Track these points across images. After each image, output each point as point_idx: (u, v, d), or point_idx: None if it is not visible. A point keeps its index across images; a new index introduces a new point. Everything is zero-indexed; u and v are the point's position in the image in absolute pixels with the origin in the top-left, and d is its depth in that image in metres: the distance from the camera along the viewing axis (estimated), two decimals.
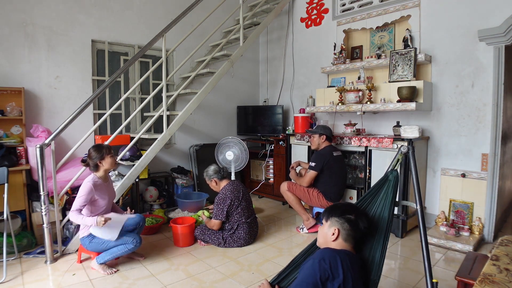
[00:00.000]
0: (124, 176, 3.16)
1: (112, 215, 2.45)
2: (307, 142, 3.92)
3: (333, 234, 1.48)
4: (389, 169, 1.70)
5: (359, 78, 3.76)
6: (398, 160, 1.71)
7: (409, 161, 1.68)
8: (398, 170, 1.71)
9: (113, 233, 2.45)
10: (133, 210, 2.81)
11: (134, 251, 2.77)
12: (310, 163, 3.28)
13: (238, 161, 3.99)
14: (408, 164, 1.66)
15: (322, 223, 1.57)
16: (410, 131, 3.12)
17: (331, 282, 1.34)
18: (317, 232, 3.48)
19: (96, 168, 2.55)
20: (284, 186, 3.43)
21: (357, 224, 1.46)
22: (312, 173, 3.24)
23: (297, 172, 3.60)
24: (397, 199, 1.67)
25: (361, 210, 1.54)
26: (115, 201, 2.90)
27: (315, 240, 1.65)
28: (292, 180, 3.52)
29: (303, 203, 3.44)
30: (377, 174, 3.33)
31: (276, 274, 1.72)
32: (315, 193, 3.29)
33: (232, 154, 3.94)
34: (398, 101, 3.30)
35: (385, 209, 1.62)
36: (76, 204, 2.40)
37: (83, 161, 2.60)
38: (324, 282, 1.34)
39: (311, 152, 3.93)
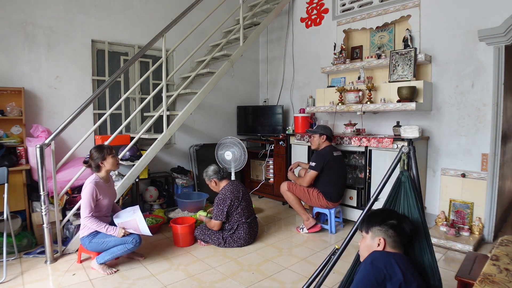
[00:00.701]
0: (124, 176, 3.16)
1: (134, 226, 2.53)
2: (307, 142, 3.92)
3: (379, 244, 1.39)
4: (393, 170, 1.65)
5: (359, 78, 3.76)
6: (403, 160, 1.69)
7: (409, 161, 1.67)
8: (407, 170, 1.64)
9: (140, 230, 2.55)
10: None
11: (134, 251, 2.78)
12: (311, 163, 3.28)
13: (237, 161, 3.98)
14: (409, 164, 1.64)
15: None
16: (410, 131, 3.12)
17: (389, 282, 1.24)
18: (317, 232, 3.51)
19: (98, 168, 2.56)
20: (284, 186, 3.43)
21: (402, 228, 1.37)
22: (312, 173, 3.24)
23: (296, 173, 3.60)
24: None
25: (400, 213, 1.45)
26: (115, 201, 2.90)
27: (357, 256, 1.56)
28: (292, 181, 3.52)
29: (303, 203, 3.44)
30: (377, 174, 3.33)
31: None
32: (315, 193, 3.29)
33: (230, 154, 3.94)
34: (398, 101, 3.30)
35: (412, 211, 1.54)
36: (87, 208, 2.42)
37: (85, 162, 2.61)
38: (381, 282, 1.25)
39: (311, 152, 3.93)
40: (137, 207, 2.69)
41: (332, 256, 1.65)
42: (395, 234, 1.38)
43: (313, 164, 3.24)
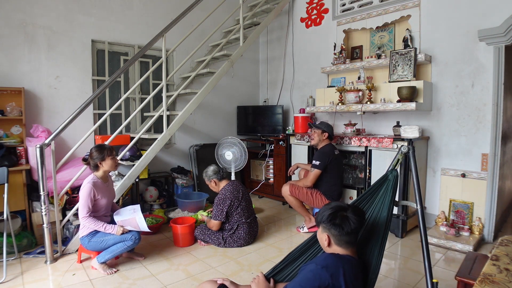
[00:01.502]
0: (124, 176, 3.16)
1: (133, 224, 2.55)
2: (307, 142, 3.91)
3: (325, 240, 1.45)
4: (389, 169, 1.69)
5: (359, 78, 3.76)
6: (398, 160, 1.71)
7: (409, 161, 1.68)
8: (398, 170, 1.70)
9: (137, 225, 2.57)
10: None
11: (133, 248, 2.78)
12: (314, 161, 3.23)
13: (237, 161, 3.98)
14: (408, 164, 1.65)
15: None
16: (410, 131, 3.12)
17: None
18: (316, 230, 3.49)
19: (96, 168, 2.56)
20: (286, 191, 3.36)
21: (343, 228, 1.40)
22: (316, 172, 3.21)
23: (296, 174, 3.60)
24: (396, 199, 1.65)
25: (352, 210, 1.45)
26: (115, 201, 2.90)
27: (314, 235, 1.63)
28: (293, 179, 3.51)
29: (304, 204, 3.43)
30: (377, 174, 3.32)
31: (272, 267, 1.72)
32: (318, 194, 3.28)
33: (231, 154, 3.94)
34: (398, 101, 3.30)
35: (383, 209, 1.60)
36: (84, 208, 2.42)
37: (84, 159, 2.61)
38: None
39: (311, 152, 3.93)
40: (137, 206, 2.69)
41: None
42: (337, 233, 1.41)
43: (316, 163, 3.20)
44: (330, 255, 1.42)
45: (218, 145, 4.07)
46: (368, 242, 1.57)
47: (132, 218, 2.60)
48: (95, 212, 2.52)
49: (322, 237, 1.47)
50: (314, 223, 3.36)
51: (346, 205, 1.50)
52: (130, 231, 2.50)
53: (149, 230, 2.66)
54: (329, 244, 1.45)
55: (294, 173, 3.77)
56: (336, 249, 1.44)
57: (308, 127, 3.58)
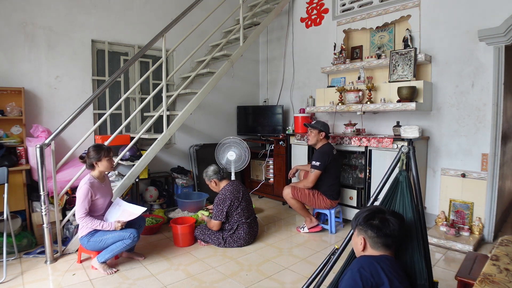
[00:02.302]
0: (124, 176, 3.16)
1: (126, 216, 2.56)
2: (307, 142, 3.91)
3: (361, 243, 1.40)
4: (398, 171, 1.66)
5: (359, 78, 3.76)
6: (402, 160, 1.69)
7: (409, 161, 1.67)
8: (406, 170, 1.67)
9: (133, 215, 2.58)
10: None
11: (133, 248, 2.79)
12: (314, 162, 3.22)
13: (240, 161, 3.97)
14: (409, 164, 1.65)
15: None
16: (410, 131, 3.12)
17: None
18: (317, 231, 3.51)
19: (91, 167, 2.56)
20: (288, 194, 3.33)
21: (381, 229, 1.35)
22: (317, 173, 3.20)
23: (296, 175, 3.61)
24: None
25: (391, 213, 1.42)
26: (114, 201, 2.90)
27: (352, 252, 1.58)
28: (293, 181, 3.50)
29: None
30: (377, 174, 3.33)
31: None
32: (318, 195, 3.28)
33: (234, 154, 3.92)
34: (398, 101, 3.30)
35: (407, 211, 1.55)
36: (81, 209, 2.42)
37: (81, 157, 2.61)
38: None
39: (310, 152, 3.93)
40: (117, 199, 2.70)
41: (332, 256, 1.65)
42: (374, 235, 1.37)
43: (316, 163, 3.19)
44: (361, 257, 1.37)
45: (219, 145, 4.04)
46: (405, 249, 1.50)
47: (122, 210, 2.61)
48: (94, 212, 2.52)
49: (358, 240, 1.42)
50: (314, 224, 3.36)
51: (384, 208, 1.45)
52: (128, 228, 2.50)
53: (145, 209, 2.66)
54: (364, 248, 1.40)
55: (294, 176, 3.77)
56: (371, 252, 1.39)
57: (305, 127, 3.59)
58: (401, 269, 1.37)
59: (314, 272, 1.67)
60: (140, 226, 2.71)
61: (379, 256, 1.35)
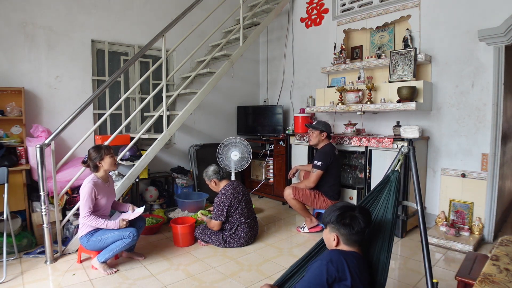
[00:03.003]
0: (124, 176, 3.16)
1: (128, 215, 2.63)
2: (307, 142, 3.91)
3: (334, 239, 1.48)
4: (390, 170, 1.69)
5: (359, 78, 3.76)
6: (399, 160, 1.71)
7: (409, 161, 1.68)
8: (399, 171, 1.70)
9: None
10: (134, 208, 2.79)
11: (134, 248, 2.79)
12: (316, 162, 3.20)
13: (243, 161, 3.95)
14: (409, 164, 1.66)
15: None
16: (410, 131, 3.12)
17: (338, 284, 1.34)
18: (317, 232, 3.51)
19: (96, 168, 2.56)
20: (289, 194, 3.32)
21: (353, 228, 1.43)
22: (319, 173, 3.19)
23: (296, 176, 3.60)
24: (398, 200, 1.66)
25: (359, 210, 1.49)
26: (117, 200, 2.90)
27: (321, 241, 1.65)
28: (293, 181, 3.50)
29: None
30: (377, 174, 3.33)
31: (281, 276, 1.72)
32: (320, 196, 3.28)
33: (238, 154, 3.91)
34: (398, 101, 3.30)
35: (388, 210, 1.60)
36: (85, 207, 2.43)
37: (84, 162, 2.62)
38: (330, 284, 1.34)
39: (311, 152, 3.93)
40: (116, 214, 2.74)
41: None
42: (346, 232, 1.44)
43: (318, 163, 3.18)
44: (333, 251, 1.45)
45: (222, 145, 3.98)
46: (374, 244, 1.58)
47: (122, 215, 2.67)
48: (95, 212, 2.52)
49: (330, 237, 1.49)
50: (315, 224, 3.36)
51: (353, 205, 1.53)
52: (128, 227, 2.51)
53: (144, 206, 2.79)
54: (337, 244, 1.47)
55: (294, 176, 3.77)
56: (343, 247, 1.47)
57: (305, 128, 3.58)
58: (365, 267, 1.45)
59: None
60: (140, 226, 2.71)
61: (349, 253, 1.43)
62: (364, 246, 1.53)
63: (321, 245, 1.67)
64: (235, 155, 3.91)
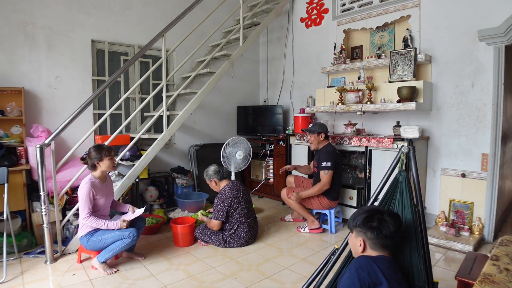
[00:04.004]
0: (124, 176, 3.16)
1: (129, 216, 2.64)
2: (307, 142, 3.91)
3: (360, 245, 1.41)
4: (397, 171, 1.66)
5: (359, 78, 3.76)
6: (402, 160, 1.69)
7: (409, 161, 1.67)
8: (405, 170, 1.67)
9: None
10: (134, 209, 2.80)
11: (134, 248, 2.79)
12: (324, 163, 3.18)
13: (246, 160, 3.94)
14: (409, 164, 1.65)
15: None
16: (410, 131, 3.12)
17: None
18: (318, 233, 3.51)
19: (93, 168, 2.56)
20: (284, 195, 3.39)
21: (381, 231, 1.35)
22: (331, 173, 3.18)
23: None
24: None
25: (388, 213, 1.42)
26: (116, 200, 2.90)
27: (351, 251, 1.58)
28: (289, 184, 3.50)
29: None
30: (377, 174, 3.33)
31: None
32: (318, 196, 3.28)
33: (242, 154, 3.90)
34: (398, 101, 3.30)
35: (406, 211, 1.55)
36: (84, 209, 2.43)
37: (83, 159, 2.62)
38: None
39: (311, 153, 3.92)
40: (117, 216, 2.75)
41: (332, 256, 1.65)
42: (374, 236, 1.37)
43: (328, 164, 3.17)
44: (360, 257, 1.38)
45: (227, 145, 3.91)
46: (402, 248, 1.50)
47: (123, 215, 2.68)
48: (94, 212, 2.52)
49: (356, 242, 1.42)
50: (316, 226, 3.35)
51: (381, 208, 1.46)
52: (128, 228, 2.51)
53: (144, 207, 2.82)
54: (364, 249, 1.40)
55: (289, 169, 3.76)
56: (370, 253, 1.39)
57: (302, 131, 3.57)
58: (399, 270, 1.37)
59: (314, 272, 1.67)
60: (140, 227, 2.71)
61: (378, 257, 1.36)
62: (393, 251, 1.45)
63: (350, 257, 1.58)
64: (239, 154, 3.90)
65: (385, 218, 1.39)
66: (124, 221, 2.50)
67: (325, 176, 3.20)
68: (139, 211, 2.69)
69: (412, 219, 1.52)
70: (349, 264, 1.48)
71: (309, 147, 3.93)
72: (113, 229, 2.47)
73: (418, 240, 1.49)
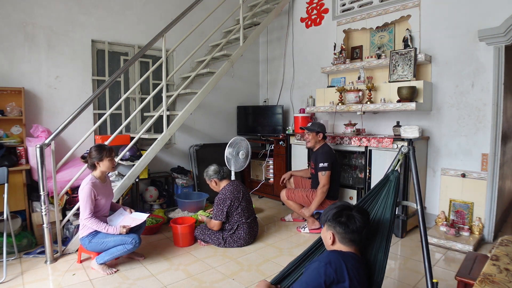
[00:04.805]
0: (124, 176, 3.16)
1: (129, 221, 2.61)
2: (304, 140, 3.90)
3: (330, 238, 1.48)
4: (390, 170, 1.69)
5: (359, 78, 3.76)
6: (398, 160, 1.71)
7: (409, 161, 1.68)
8: (399, 171, 1.70)
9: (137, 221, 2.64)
10: (132, 211, 2.80)
11: (133, 251, 2.78)
12: (322, 164, 3.20)
13: (247, 159, 3.94)
14: (409, 164, 1.66)
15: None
16: (410, 131, 3.12)
17: (335, 286, 1.33)
18: (318, 233, 3.50)
19: (93, 167, 2.56)
20: (283, 196, 3.41)
21: (348, 226, 1.43)
22: (328, 173, 3.20)
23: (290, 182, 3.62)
24: (398, 199, 1.66)
25: (357, 209, 1.50)
26: (115, 201, 2.90)
27: (319, 239, 1.65)
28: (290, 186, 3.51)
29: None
30: (377, 174, 3.33)
31: (278, 273, 1.72)
32: (315, 195, 3.28)
33: (244, 153, 3.90)
34: (398, 101, 3.30)
35: (386, 210, 1.61)
36: (86, 210, 2.42)
37: (83, 157, 2.62)
38: (328, 286, 1.33)
39: (310, 152, 3.92)
40: (121, 209, 2.76)
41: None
42: (342, 231, 1.45)
43: (325, 164, 3.19)
44: (332, 252, 1.45)
45: (230, 146, 3.83)
46: (372, 244, 1.58)
47: (125, 217, 2.66)
48: (96, 213, 2.52)
49: (327, 235, 1.50)
50: (317, 226, 3.35)
51: (351, 204, 1.54)
52: (131, 233, 2.50)
53: (148, 214, 2.78)
54: (333, 242, 1.48)
55: (288, 182, 3.77)
56: (339, 246, 1.47)
57: (301, 130, 3.58)
58: (363, 268, 1.45)
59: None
60: (140, 227, 2.72)
61: (347, 253, 1.43)
62: (361, 245, 1.54)
63: (318, 243, 1.68)
64: (242, 154, 3.90)
65: (353, 214, 1.46)
66: (124, 227, 2.49)
67: (323, 177, 3.21)
68: (141, 218, 2.66)
69: (389, 219, 1.58)
70: (321, 254, 1.58)
71: (307, 149, 3.94)
72: (113, 234, 2.48)
73: (388, 238, 1.56)
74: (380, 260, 1.54)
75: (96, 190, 2.48)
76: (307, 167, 3.83)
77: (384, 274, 1.53)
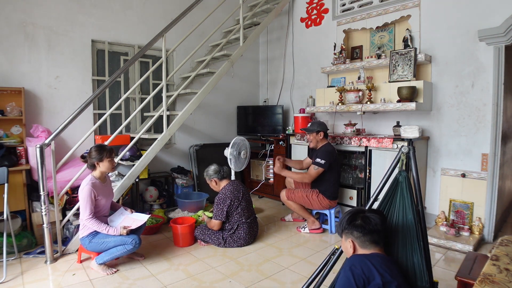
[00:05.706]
0: (124, 176, 3.16)
1: (130, 222, 2.60)
2: (307, 141, 3.91)
3: (350, 246, 1.44)
4: (397, 171, 1.66)
5: (359, 78, 3.76)
6: (402, 160, 1.69)
7: (409, 161, 1.67)
8: (405, 170, 1.67)
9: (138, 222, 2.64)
10: (132, 210, 2.80)
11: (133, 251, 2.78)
12: (319, 159, 3.19)
13: (247, 159, 3.93)
14: (409, 164, 1.65)
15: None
16: (410, 131, 3.12)
17: (369, 285, 1.28)
18: (318, 233, 3.51)
19: (92, 167, 2.56)
20: (283, 196, 3.40)
21: (364, 227, 1.39)
22: (319, 170, 3.18)
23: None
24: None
25: (369, 211, 1.46)
26: (114, 200, 2.90)
27: (334, 250, 1.61)
28: (284, 175, 3.46)
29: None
30: (377, 174, 3.33)
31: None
32: (315, 195, 3.28)
33: (245, 153, 3.90)
34: (398, 101, 3.30)
35: (407, 211, 1.56)
36: (86, 210, 2.42)
37: (83, 157, 2.62)
38: (362, 287, 1.27)
39: (312, 151, 3.92)
40: (121, 209, 2.75)
41: (332, 256, 1.65)
42: (360, 234, 1.41)
43: (322, 161, 3.17)
44: (352, 256, 1.41)
45: (232, 146, 3.88)
46: (404, 249, 1.52)
47: (125, 217, 2.66)
48: (96, 213, 2.52)
49: (347, 244, 1.45)
50: (317, 226, 3.35)
51: (363, 208, 1.51)
52: (131, 234, 2.50)
53: (148, 215, 2.77)
54: (354, 250, 1.44)
55: (280, 163, 3.69)
56: (361, 252, 1.42)
57: (303, 132, 3.56)
58: (393, 264, 1.40)
59: (314, 272, 1.67)
60: (140, 227, 2.71)
61: (370, 254, 1.39)
62: (384, 246, 1.47)
63: (333, 254, 1.62)
64: (244, 154, 3.90)
65: (367, 215, 1.43)
66: (124, 228, 2.49)
67: (313, 170, 3.20)
68: (142, 219, 2.66)
69: (413, 219, 1.52)
70: (343, 264, 1.51)
71: (309, 146, 3.93)
72: (114, 235, 2.47)
73: (419, 240, 1.49)
74: (418, 263, 1.46)
75: (96, 191, 2.47)
76: (302, 160, 3.81)
77: (432, 277, 1.45)
